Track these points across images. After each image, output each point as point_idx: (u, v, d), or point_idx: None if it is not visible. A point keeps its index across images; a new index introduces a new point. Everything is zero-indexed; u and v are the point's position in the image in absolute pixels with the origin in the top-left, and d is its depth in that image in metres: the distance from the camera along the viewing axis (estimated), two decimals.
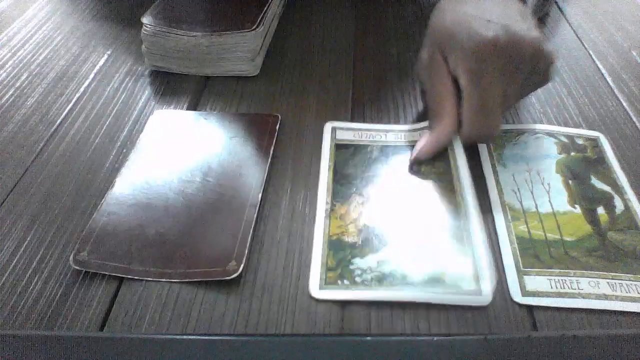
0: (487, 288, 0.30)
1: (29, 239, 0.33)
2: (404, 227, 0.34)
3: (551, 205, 0.35)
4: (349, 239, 0.33)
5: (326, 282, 0.31)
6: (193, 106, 0.44)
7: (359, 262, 0.32)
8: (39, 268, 0.32)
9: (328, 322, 0.29)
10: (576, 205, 0.35)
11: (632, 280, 0.31)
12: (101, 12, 0.57)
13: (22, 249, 0.33)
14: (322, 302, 0.30)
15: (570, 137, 0.40)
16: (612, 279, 0.31)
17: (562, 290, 0.30)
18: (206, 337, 0.28)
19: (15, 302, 0.30)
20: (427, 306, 0.30)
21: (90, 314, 0.29)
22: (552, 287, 0.30)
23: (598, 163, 0.38)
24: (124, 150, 0.40)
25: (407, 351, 0.27)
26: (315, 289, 0.30)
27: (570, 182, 0.37)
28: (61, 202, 0.36)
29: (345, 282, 0.31)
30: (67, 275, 0.31)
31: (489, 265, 0.31)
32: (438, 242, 0.33)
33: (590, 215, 0.35)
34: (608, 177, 0.37)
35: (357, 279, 0.31)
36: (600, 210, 0.35)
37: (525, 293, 0.30)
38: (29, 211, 0.35)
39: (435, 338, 0.27)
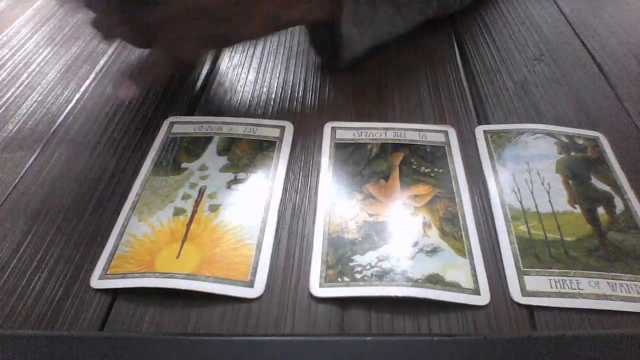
0: (486, 288, 0.30)
1: (29, 239, 0.33)
2: (404, 224, 0.34)
3: (551, 205, 0.35)
4: (349, 235, 0.33)
5: (326, 280, 0.31)
6: (194, 105, 0.44)
7: (359, 259, 0.32)
8: (39, 268, 0.32)
9: (328, 322, 0.29)
10: (576, 205, 0.35)
11: (632, 281, 0.31)
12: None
13: (22, 248, 0.33)
14: (322, 302, 0.30)
15: (570, 137, 0.40)
16: (612, 279, 0.31)
17: (562, 290, 0.30)
18: (206, 337, 0.28)
19: (15, 302, 0.30)
20: (427, 306, 0.30)
21: (90, 314, 0.29)
22: (552, 287, 0.30)
23: (598, 163, 0.38)
24: (124, 151, 0.40)
25: (407, 351, 0.27)
26: (316, 287, 0.30)
27: (570, 182, 0.37)
28: (61, 202, 0.36)
29: (345, 279, 0.31)
30: (67, 275, 0.31)
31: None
32: (437, 240, 0.33)
33: (590, 215, 0.35)
34: (608, 177, 0.37)
35: (357, 276, 0.31)
36: (601, 210, 0.35)
37: (525, 293, 0.30)
38: (29, 211, 0.35)
39: (435, 338, 0.27)
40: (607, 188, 0.36)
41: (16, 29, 0.54)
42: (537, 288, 0.30)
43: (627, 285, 0.30)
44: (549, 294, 0.30)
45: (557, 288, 0.30)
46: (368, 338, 0.28)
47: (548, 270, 0.31)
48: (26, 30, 0.54)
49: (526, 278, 0.31)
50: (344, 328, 0.29)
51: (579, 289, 0.30)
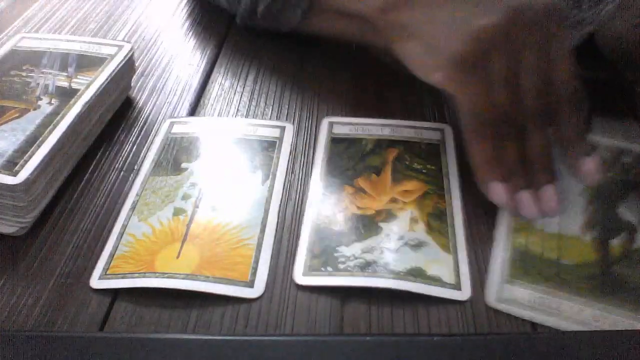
0: (467, 283, 0.30)
1: (29, 239, 0.33)
2: (391, 218, 0.34)
3: (559, 227, 0.33)
4: (336, 227, 0.33)
5: (310, 269, 0.31)
6: (194, 105, 0.44)
7: (344, 250, 0.32)
8: (39, 268, 0.32)
9: (328, 322, 0.29)
10: (588, 233, 0.33)
11: (623, 317, 0.29)
12: (102, 12, 0.57)
13: (23, 248, 0.33)
14: (322, 302, 0.30)
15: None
16: (600, 310, 0.29)
17: (539, 308, 0.29)
18: (206, 337, 0.28)
19: (15, 302, 0.30)
20: (427, 305, 0.30)
21: (90, 314, 0.29)
22: (530, 302, 0.29)
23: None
24: (124, 150, 0.40)
25: (407, 351, 0.27)
26: (299, 275, 0.31)
27: (592, 205, 0.34)
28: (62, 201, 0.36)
29: (329, 268, 0.31)
30: (67, 275, 0.31)
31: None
32: (422, 235, 0.33)
33: (601, 245, 0.32)
34: None
35: (340, 266, 0.31)
36: (616, 241, 0.32)
37: (499, 299, 0.29)
38: None
39: (435, 338, 0.27)
40: (633, 219, 0.33)
41: (16, 29, 0.54)
42: (514, 297, 0.29)
43: (613, 319, 0.28)
44: (523, 307, 0.29)
45: (534, 303, 0.29)
46: (368, 338, 0.28)
47: (531, 285, 0.30)
48: (26, 31, 0.54)
49: (506, 286, 0.30)
50: (343, 328, 0.29)
51: (558, 310, 0.29)
